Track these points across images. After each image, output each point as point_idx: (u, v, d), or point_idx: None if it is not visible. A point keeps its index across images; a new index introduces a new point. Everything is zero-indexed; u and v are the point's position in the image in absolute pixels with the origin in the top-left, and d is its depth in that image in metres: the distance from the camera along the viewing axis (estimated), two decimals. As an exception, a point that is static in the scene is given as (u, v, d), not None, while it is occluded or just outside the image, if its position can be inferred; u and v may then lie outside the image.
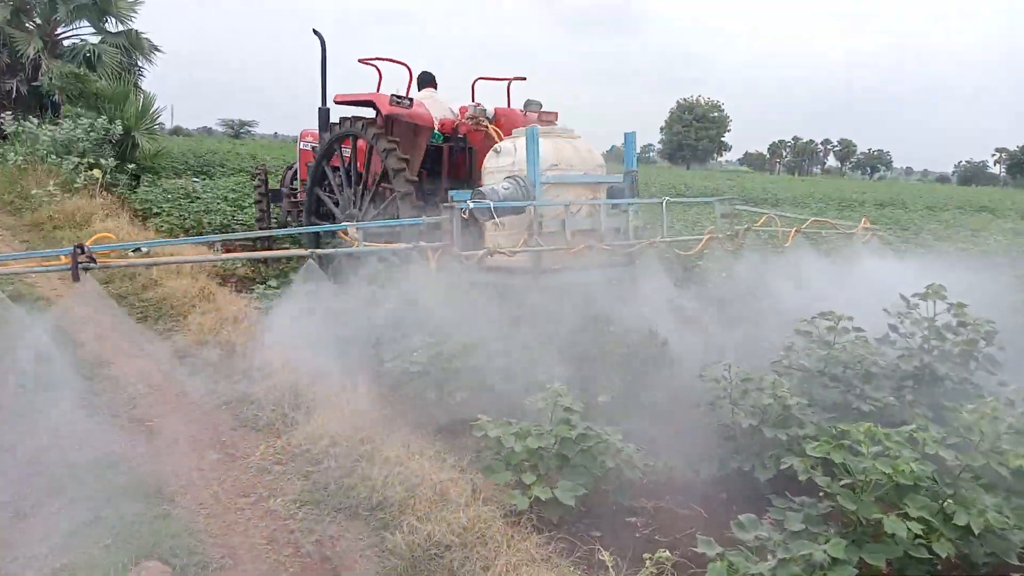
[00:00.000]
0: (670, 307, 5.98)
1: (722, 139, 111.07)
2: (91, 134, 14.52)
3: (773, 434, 3.95)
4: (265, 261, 8.80)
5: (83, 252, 4.29)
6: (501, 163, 6.33)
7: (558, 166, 6.28)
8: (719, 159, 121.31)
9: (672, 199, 7.33)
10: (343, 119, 7.69)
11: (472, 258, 5.55)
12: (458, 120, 7.82)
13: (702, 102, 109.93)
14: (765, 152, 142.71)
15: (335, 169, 7.92)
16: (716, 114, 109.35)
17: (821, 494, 3.36)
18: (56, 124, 15.16)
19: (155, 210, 11.82)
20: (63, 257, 4.34)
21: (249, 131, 77.90)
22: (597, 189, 6.58)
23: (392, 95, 6.92)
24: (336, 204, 7.83)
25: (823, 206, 22.57)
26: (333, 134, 7.73)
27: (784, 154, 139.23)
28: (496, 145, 6.58)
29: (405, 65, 7.68)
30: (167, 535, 3.48)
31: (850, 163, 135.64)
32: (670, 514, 3.96)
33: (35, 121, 15.87)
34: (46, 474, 4.02)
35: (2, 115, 17.58)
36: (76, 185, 12.65)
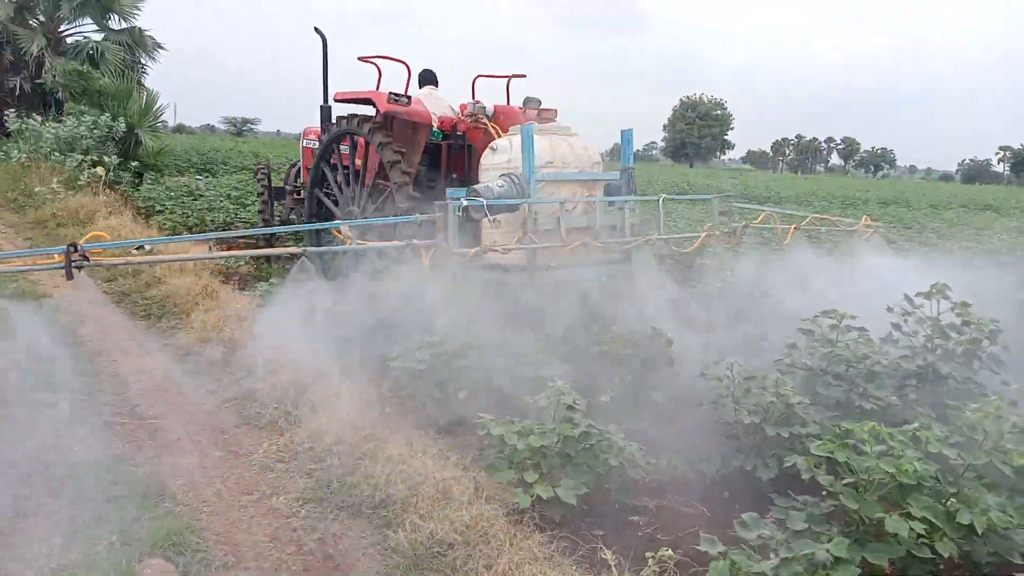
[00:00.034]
0: (665, 305, 5.98)
1: (725, 137, 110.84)
2: (94, 132, 14.54)
3: (775, 432, 3.95)
4: (268, 259, 8.80)
5: (76, 251, 4.31)
6: (497, 160, 6.33)
7: (553, 163, 6.28)
8: (722, 157, 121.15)
9: (668, 196, 7.32)
10: (339, 118, 7.71)
11: (465, 256, 5.55)
12: (457, 118, 7.82)
13: (705, 100, 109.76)
14: (768, 150, 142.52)
15: (333, 168, 7.93)
16: (719, 112, 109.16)
17: (824, 493, 3.36)
18: (59, 122, 15.18)
19: (158, 208, 11.84)
20: (57, 256, 4.36)
21: (252, 129, 77.98)
22: (593, 187, 6.58)
23: (390, 93, 6.92)
24: (336, 204, 7.84)
25: (826, 204, 22.53)
26: (330, 134, 7.75)
27: (787, 152, 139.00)
28: (493, 143, 6.59)
29: (404, 63, 7.68)
30: (170, 533, 3.48)
31: (853, 161, 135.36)
32: (672, 513, 3.96)
33: (38, 119, 15.89)
34: (48, 472, 4.03)
35: (6, 112, 17.62)
36: (79, 183, 12.67)
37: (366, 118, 7.32)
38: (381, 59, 7.60)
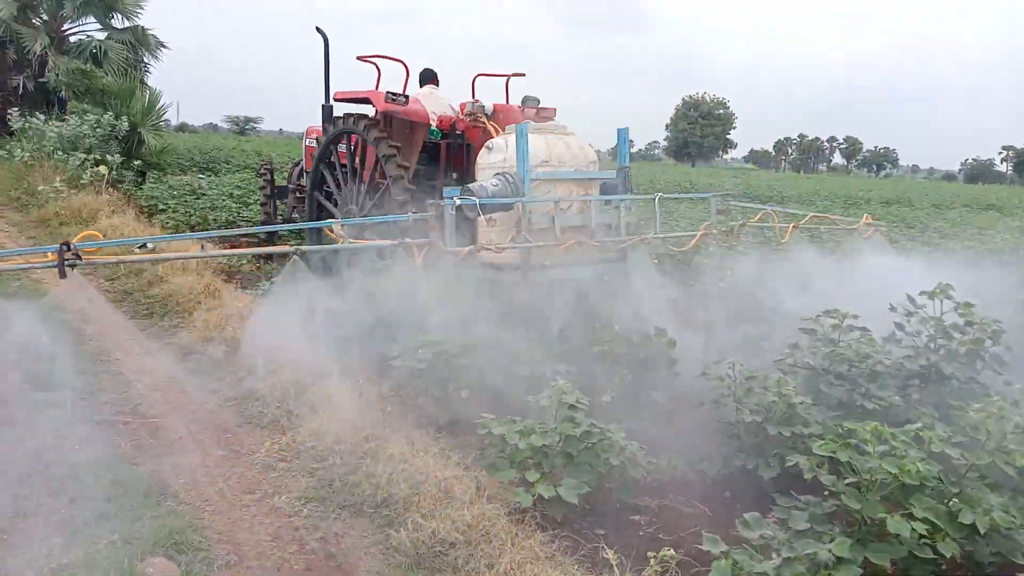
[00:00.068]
0: (660, 304, 5.98)
1: (727, 136, 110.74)
2: (97, 130, 14.54)
3: (777, 432, 3.95)
4: (270, 257, 8.81)
5: (69, 249, 4.36)
6: (493, 160, 6.35)
7: (548, 162, 6.29)
8: (724, 156, 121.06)
9: (665, 195, 7.32)
10: (336, 118, 7.75)
11: (459, 254, 5.56)
12: (456, 117, 7.83)
13: (707, 99, 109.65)
14: (771, 150, 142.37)
15: (332, 168, 7.95)
16: (721, 111, 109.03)
17: (826, 493, 3.36)
18: (62, 120, 15.18)
19: (161, 206, 11.84)
20: (50, 254, 4.40)
21: (254, 128, 78.03)
22: (589, 185, 6.58)
23: (387, 92, 6.94)
24: (335, 204, 7.87)
25: (829, 204, 22.49)
26: (328, 135, 7.78)
27: (790, 151, 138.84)
28: (489, 142, 6.60)
29: (402, 63, 7.70)
30: (172, 532, 3.48)
31: (856, 161, 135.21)
32: (674, 513, 3.95)
33: (41, 117, 15.89)
34: (49, 471, 4.03)
35: (9, 111, 17.59)
36: (82, 181, 12.68)
37: (362, 116, 7.34)
38: (380, 59, 7.63)
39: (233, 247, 9.56)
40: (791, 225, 7.56)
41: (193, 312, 6.96)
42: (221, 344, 6.09)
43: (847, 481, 3.17)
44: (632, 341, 5.02)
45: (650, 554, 3.14)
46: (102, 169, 12.96)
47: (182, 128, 58.05)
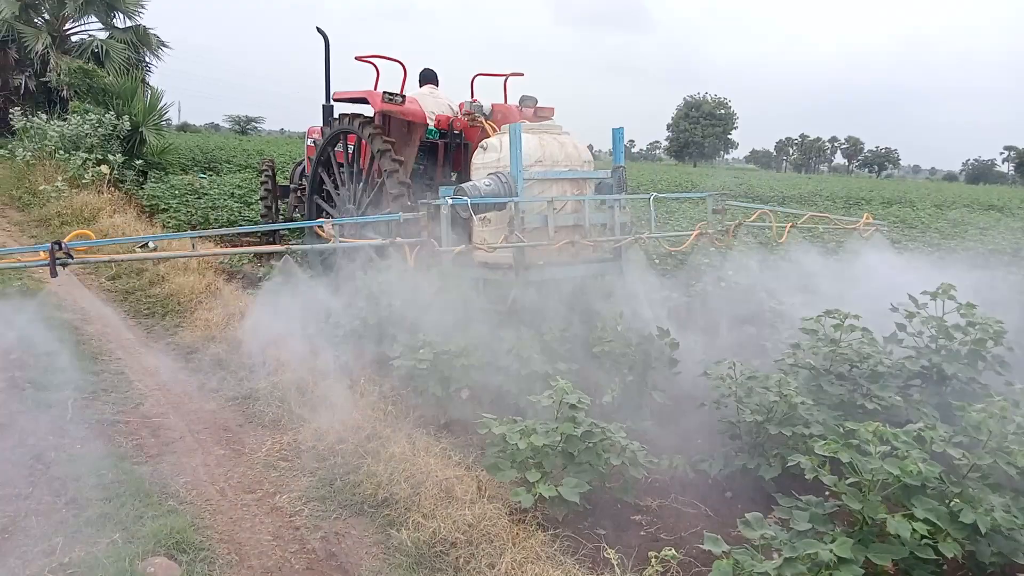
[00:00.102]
0: (655, 303, 5.99)
1: (729, 136, 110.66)
2: (99, 130, 14.56)
3: (778, 432, 3.95)
4: (270, 256, 8.82)
5: (60, 248, 4.38)
6: (488, 159, 6.36)
7: (542, 162, 6.30)
8: (726, 156, 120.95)
9: (660, 194, 7.32)
10: (331, 120, 7.78)
11: (450, 254, 5.57)
12: (455, 116, 7.85)
13: (709, 99, 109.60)
14: (772, 150, 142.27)
15: (329, 168, 7.98)
16: (723, 111, 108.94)
17: (827, 493, 3.36)
18: (64, 120, 15.19)
19: (162, 206, 11.85)
20: (42, 253, 4.42)
21: (255, 127, 77.93)
22: (583, 185, 6.59)
23: (384, 92, 6.95)
24: (332, 206, 7.90)
25: (830, 204, 22.49)
26: (325, 137, 7.82)
27: (791, 151, 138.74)
28: (483, 141, 6.61)
29: (400, 63, 7.72)
30: (174, 531, 3.48)
31: (857, 161, 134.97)
32: (675, 512, 3.96)
33: (43, 117, 15.90)
34: (51, 471, 4.04)
35: (11, 111, 17.61)
36: (84, 181, 12.68)
37: (356, 115, 7.37)
38: (378, 59, 7.65)
39: (235, 247, 9.58)
40: (788, 224, 7.52)
41: (194, 312, 6.97)
42: (222, 343, 6.09)
43: (848, 481, 3.16)
44: (632, 341, 5.01)
45: (651, 554, 3.14)
46: (103, 169, 12.97)
47: (184, 128, 58.03)
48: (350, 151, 7.66)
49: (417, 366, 4.74)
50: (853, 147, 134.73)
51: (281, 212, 9.92)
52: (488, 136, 7.10)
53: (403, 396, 5.03)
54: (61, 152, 13.90)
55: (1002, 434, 3.35)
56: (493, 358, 4.90)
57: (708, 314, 6.24)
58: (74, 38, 23.03)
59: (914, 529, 2.90)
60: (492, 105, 7.67)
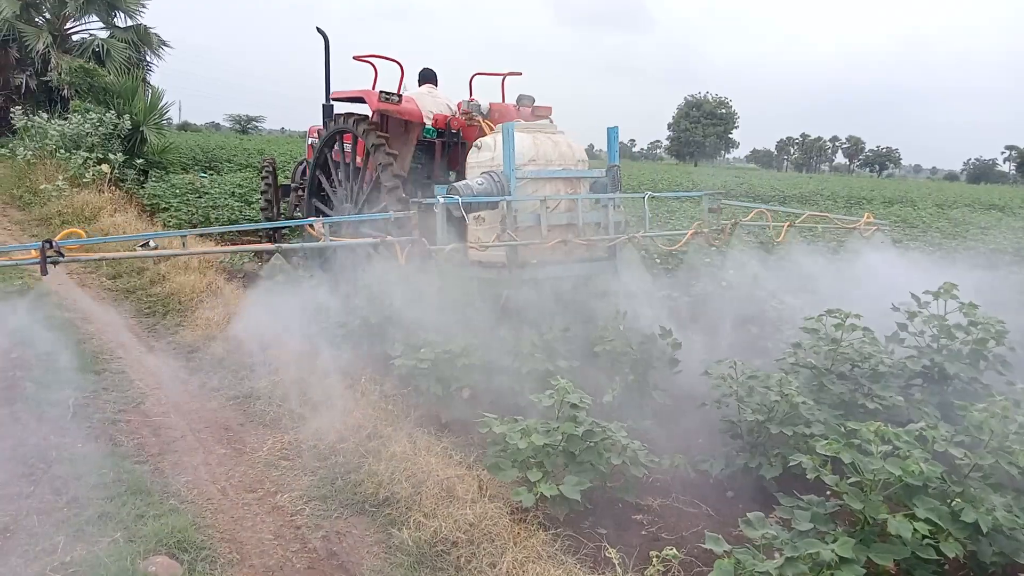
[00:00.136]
0: (650, 302, 5.99)
1: (730, 136, 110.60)
2: (100, 129, 14.56)
3: (779, 431, 3.95)
4: (271, 255, 8.82)
5: (51, 247, 4.40)
6: (482, 158, 6.37)
7: (536, 161, 6.31)
8: (727, 156, 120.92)
9: (655, 193, 7.31)
10: (327, 121, 7.79)
11: (441, 252, 5.58)
12: (452, 115, 7.87)
13: (710, 99, 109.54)
14: (773, 149, 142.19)
15: (326, 168, 8.00)
16: (724, 111, 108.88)
17: (828, 493, 3.36)
18: (65, 119, 15.19)
19: (163, 205, 11.85)
20: (33, 251, 4.44)
21: (256, 127, 77.79)
22: (577, 184, 6.59)
23: (381, 91, 6.96)
24: (331, 206, 7.92)
25: (831, 203, 22.49)
26: (322, 139, 7.84)
27: (792, 151, 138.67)
28: (477, 140, 6.62)
29: (397, 62, 7.74)
30: (175, 530, 3.48)
31: (858, 160, 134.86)
32: (676, 512, 3.96)
33: (44, 116, 15.89)
34: (53, 470, 4.04)
35: (12, 110, 17.60)
36: (85, 180, 12.69)
37: (351, 114, 7.39)
38: (376, 58, 7.67)
39: (235, 245, 9.58)
40: (786, 224, 7.49)
41: (195, 311, 6.97)
42: (223, 342, 6.09)
43: (850, 481, 3.16)
44: (633, 341, 5.01)
45: (652, 553, 3.14)
46: (104, 168, 12.97)
47: (184, 127, 58.05)
48: (347, 150, 7.68)
49: (418, 366, 4.74)
50: (854, 147, 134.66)
51: (283, 211, 9.92)
52: (485, 135, 7.12)
53: (404, 395, 5.03)
54: (62, 151, 13.90)
55: (1004, 434, 3.35)
56: (493, 357, 4.90)
57: (705, 313, 6.24)
58: (75, 37, 23.04)
59: (915, 529, 2.90)
60: (490, 104, 7.69)
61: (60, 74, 18.71)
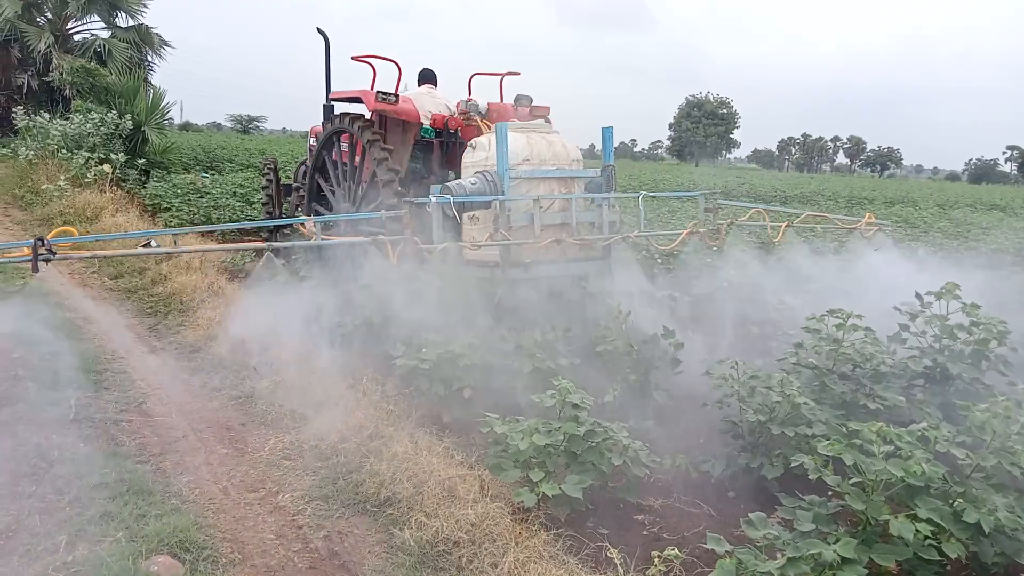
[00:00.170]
0: (645, 302, 5.99)
1: (731, 136, 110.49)
2: (101, 129, 14.56)
3: (781, 431, 3.95)
4: (277, 253, 8.83)
5: (43, 245, 4.42)
6: (476, 158, 6.38)
7: (530, 160, 6.32)
8: (728, 156, 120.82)
9: (649, 193, 7.31)
10: (324, 122, 7.80)
11: (432, 252, 5.59)
12: (450, 115, 7.89)
13: (711, 99, 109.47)
14: (774, 149, 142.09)
15: (324, 169, 8.02)
16: (725, 111, 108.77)
17: (830, 493, 3.35)
18: (67, 119, 15.19)
19: (165, 205, 11.86)
20: (25, 249, 4.45)
21: (258, 127, 77.81)
22: (571, 184, 6.60)
23: (378, 92, 6.97)
24: (329, 208, 7.93)
25: (832, 203, 22.47)
26: (320, 141, 7.86)
27: (793, 151, 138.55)
28: (472, 140, 6.64)
29: (395, 62, 7.76)
30: (177, 530, 3.49)
31: (859, 160, 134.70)
32: (677, 512, 3.95)
33: (46, 116, 15.89)
34: (54, 469, 4.04)
35: (13, 110, 17.61)
36: (86, 180, 12.69)
37: (347, 114, 7.42)
38: (374, 59, 7.69)
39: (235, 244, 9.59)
40: (784, 224, 7.47)
41: (197, 311, 6.98)
42: (225, 342, 6.09)
43: (852, 481, 3.16)
44: (634, 341, 5.01)
45: (654, 553, 3.14)
46: (106, 168, 12.98)
47: (186, 127, 58.04)
48: (344, 150, 7.70)
49: (419, 366, 4.74)
50: (855, 147, 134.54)
51: (285, 211, 9.93)
52: (482, 135, 7.13)
53: (405, 395, 5.03)
54: (64, 151, 13.91)
55: (1006, 434, 3.35)
56: (494, 357, 4.90)
57: (703, 312, 6.24)
58: (76, 37, 23.03)
59: (917, 529, 2.90)
60: (488, 104, 7.71)
61: (62, 74, 18.71)
